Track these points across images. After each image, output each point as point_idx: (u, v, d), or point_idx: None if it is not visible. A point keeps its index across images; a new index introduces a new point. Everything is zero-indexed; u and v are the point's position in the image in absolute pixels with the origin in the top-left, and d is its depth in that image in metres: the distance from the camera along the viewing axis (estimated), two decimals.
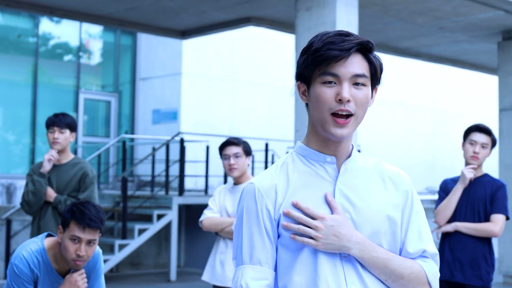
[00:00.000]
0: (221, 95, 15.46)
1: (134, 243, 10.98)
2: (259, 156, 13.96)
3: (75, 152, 14.34)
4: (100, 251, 3.86)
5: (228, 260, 5.00)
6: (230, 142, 5.09)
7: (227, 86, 15.60)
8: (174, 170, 13.07)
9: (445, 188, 5.02)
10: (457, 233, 4.87)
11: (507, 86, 11.45)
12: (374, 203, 1.99)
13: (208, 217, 5.02)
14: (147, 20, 11.36)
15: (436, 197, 5.21)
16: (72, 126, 5.27)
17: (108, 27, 15.09)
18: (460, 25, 11.03)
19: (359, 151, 11.53)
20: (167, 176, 12.05)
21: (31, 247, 3.65)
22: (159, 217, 11.36)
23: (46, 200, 5.22)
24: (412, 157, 19.23)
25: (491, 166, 11.27)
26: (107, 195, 12.66)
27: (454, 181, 5.04)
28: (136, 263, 12.63)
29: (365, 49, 1.96)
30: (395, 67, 18.34)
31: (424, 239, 2.04)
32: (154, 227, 11.22)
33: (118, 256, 10.79)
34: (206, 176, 12.55)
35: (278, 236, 1.97)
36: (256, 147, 14.02)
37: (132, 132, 15.99)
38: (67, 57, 15.84)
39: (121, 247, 10.89)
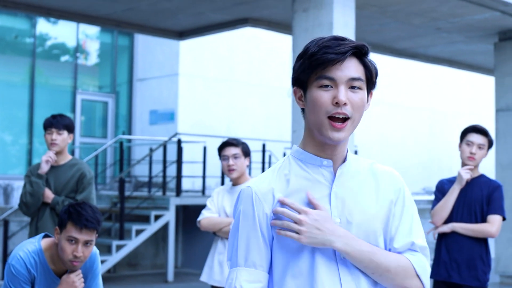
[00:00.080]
0: (218, 96, 15.48)
1: (131, 244, 10.99)
2: (256, 157, 13.98)
3: (72, 153, 14.34)
4: (97, 251, 3.86)
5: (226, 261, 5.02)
6: (229, 143, 5.10)
7: (224, 87, 15.61)
8: (172, 170, 13.08)
9: (441, 189, 5.04)
10: (454, 233, 4.89)
11: (504, 87, 11.48)
12: (369, 205, 2.00)
13: (206, 217, 5.03)
14: (144, 21, 11.37)
15: (433, 197, 5.22)
16: (69, 128, 5.29)
17: (105, 28, 15.09)
18: (457, 26, 11.06)
19: (356, 152, 11.52)
20: (164, 176, 12.06)
21: (28, 248, 3.66)
22: (157, 217, 11.38)
23: (44, 201, 5.23)
24: (409, 158, 19.27)
25: (488, 166, 11.30)
26: (105, 195, 12.66)
27: (450, 181, 5.05)
28: (133, 264, 12.64)
29: (360, 53, 1.97)
30: (392, 68, 18.37)
31: (413, 233, 2.04)
32: (151, 228, 11.23)
33: (115, 257, 10.79)
34: (204, 177, 12.56)
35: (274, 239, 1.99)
36: (253, 147, 14.04)
37: (129, 132, 15.99)
38: (64, 58, 15.84)
39: (119, 247, 10.90)
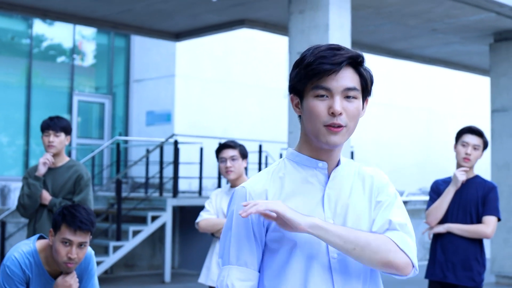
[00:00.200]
0: (215, 97, 15.50)
1: (128, 245, 11.01)
2: (252, 157, 14.00)
3: (69, 154, 14.35)
4: (93, 252, 3.88)
5: None
6: (226, 145, 5.14)
7: (220, 88, 15.64)
8: (168, 171, 13.10)
9: (436, 189, 5.07)
10: (449, 234, 4.92)
11: (499, 88, 11.52)
12: (359, 207, 2.04)
13: (205, 219, 5.05)
14: (141, 22, 11.39)
15: (428, 197, 5.25)
16: (67, 130, 5.31)
17: (101, 29, 15.11)
18: (452, 27, 11.10)
19: (352, 152, 11.53)
20: (161, 177, 12.08)
21: (22, 249, 3.68)
22: (153, 218, 11.39)
23: (41, 203, 5.25)
24: (405, 158, 19.31)
25: (484, 167, 11.35)
26: (101, 197, 12.67)
27: (445, 182, 5.08)
28: (130, 265, 12.66)
29: (356, 62, 2.00)
30: (387, 68, 18.41)
31: (391, 213, 2.05)
32: (148, 229, 11.25)
33: (112, 258, 10.81)
34: (200, 178, 12.58)
35: (266, 243, 2.02)
36: (250, 148, 14.03)
37: (126, 134, 16.01)
38: (61, 59, 15.85)
39: (116, 248, 10.91)
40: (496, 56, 11.61)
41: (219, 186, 12.34)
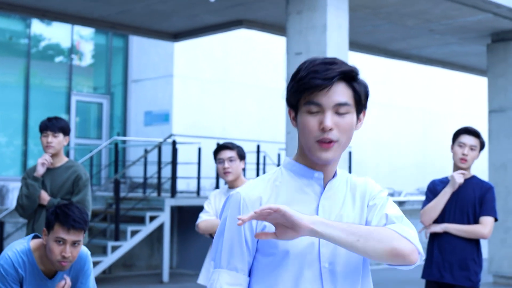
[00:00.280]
0: (213, 97, 15.52)
1: (126, 245, 11.03)
2: (250, 158, 14.02)
3: (67, 154, 14.37)
4: (89, 253, 3.89)
5: None
6: (224, 146, 5.15)
7: (218, 88, 15.66)
8: (166, 172, 13.12)
9: (433, 189, 5.08)
10: (446, 234, 4.93)
11: (496, 88, 11.55)
12: (349, 219, 2.05)
13: (204, 220, 5.06)
14: (139, 23, 11.41)
15: None
16: (65, 130, 5.32)
17: (100, 29, 15.13)
18: (450, 28, 11.13)
19: (350, 152, 11.54)
20: (159, 178, 12.10)
21: (16, 248, 3.70)
22: (152, 218, 11.41)
23: (40, 204, 5.27)
24: (402, 158, 19.34)
25: (481, 167, 11.38)
26: (100, 197, 12.69)
27: (442, 182, 5.09)
28: (128, 265, 12.67)
29: (349, 77, 2.00)
30: (385, 68, 18.45)
31: (386, 209, 2.07)
32: (146, 229, 11.27)
33: (110, 258, 10.83)
34: (198, 178, 12.60)
35: (258, 248, 2.03)
36: (248, 149, 14.07)
37: (124, 134, 16.02)
38: (59, 59, 15.86)
39: (114, 248, 10.93)
40: (494, 56, 11.64)
41: (217, 186, 12.37)
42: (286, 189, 2.05)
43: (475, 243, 4.95)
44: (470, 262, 4.91)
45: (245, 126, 15.81)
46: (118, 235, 10.95)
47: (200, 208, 5.42)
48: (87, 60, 16.36)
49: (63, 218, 3.61)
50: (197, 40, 13.27)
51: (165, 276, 11.57)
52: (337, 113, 1.98)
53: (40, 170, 5.26)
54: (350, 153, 13.40)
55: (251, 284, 2.04)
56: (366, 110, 2.08)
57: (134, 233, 11.20)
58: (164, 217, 11.45)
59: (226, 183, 5.24)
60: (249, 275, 2.05)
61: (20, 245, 3.72)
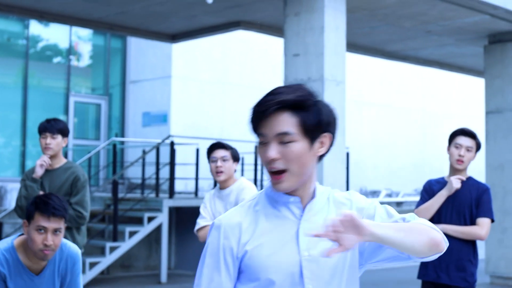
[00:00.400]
0: (211, 98, 15.55)
1: (125, 246, 11.05)
2: (248, 158, 14.05)
3: (65, 155, 14.38)
4: (79, 251, 3.88)
5: None
6: (218, 145, 5.12)
7: (217, 89, 15.68)
8: (165, 172, 13.14)
9: (429, 189, 5.10)
10: (444, 234, 4.95)
11: (493, 89, 11.59)
12: None
13: (202, 227, 5.05)
14: (137, 24, 11.43)
15: None
16: (64, 132, 5.33)
17: (98, 31, 15.16)
18: (447, 29, 11.16)
19: (347, 153, 11.50)
20: (157, 178, 12.12)
21: (0, 246, 3.71)
22: (150, 219, 11.43)
23: None
24: (400, 159, 19.37)
25: (478, 168, 11.42)
26: (98, 197, 12.71)
27: (438, 182, 5.11)
28: (127, 265, 12.69)
29: (294, 106, 1.99)
30: (383, 70, 18.48)
31: (391, 214, 2.11)
32: (144, 230, 11.29)
33: (109, 258, 10.85)
34: (196, 179, 12.62)
35: (241, 273, 2.05)
36: (246, 150, 14.11)
37: (122, 135, 16.04)
38: (57, 60, 15.88)
39: (112, 249, 10.95)
40: (491, 58, 11.68)
41: (215, 186, 12.37)
42: (265, 215, 2.07)
43: (471, 244, 4.98)
44: (466, 263, 4.93)
45: (243, 127, 15.79)
46: (116, 236, 10.97)
47: (198, 209, 5.43)
48: (85, 61, 16.38)
49: (43, 206, 3.62)
50: (195, 41, 13.29)
51: (163, 277, 11.59)
52: (282, 142, 1.99)
53: (39, 172, 5.28)
54: (348, 154, 13.43)
55: None
56: (331, 134, 2.05)
57: (132, 233, 11.22)
58: (162, 218, 11.47)
59: (217, 183, 5.21)
60: None
61: (5, 243, 3.72)
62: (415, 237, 2.01)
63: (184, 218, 12.96)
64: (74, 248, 3.83)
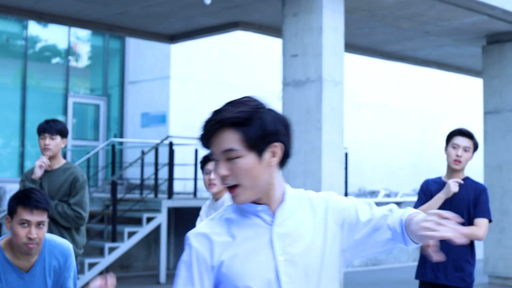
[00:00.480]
0: (210, 99, 15.56)
1: (124, 246, 11.06)
2: None
3: (64, 155, 14.39)
4: (71, 246, 3.86)
5: None
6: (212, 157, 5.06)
7: (215, 90, 15.69)
8: (163, 173, 13.15)
9: (426, 189, 5.11)
10: None
11: (492, 89, 11.61)
12: (310, 239, 2.10)
13: None
14: (136, 25, 11.44)
15: None
16: (63, 133, 5.34)
17: (97, 31, 15.17)
18: (445, 30, 11.18)
19: (346, 154, 11.47)
20: (156, 179, 12.13)
21: None
22: (149, 220, 11.44)
23: None
24: (398, 159, 19.39)
25: (476, 168, 11.44)
26: (97, 198, 12.72)
27: (435, 182, 5.12)
28: (126, 266, 12.70)
29: (236, 122, 2.02)
30: (381, 70, 18.50)
31: (374, 209, 2.19)
32: (143, 230, 11.30)
33: (108, 259, 10.86)
34: (195, 179, 12.64)
35: (219, 284, 2.08)
36: None
37: (121, 135, 16.05)
38: (56, 61, 15.89)
39: (111, 250, 10.96)
40: (489, 58, 11.70)
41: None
42: (238, 225, 2.10)
43: (469, 244, 4.99)
44: (464, 263, 4.94)
45: None
46: (115, 237, 10.99)
47: (197, 210, 5.44)
48: (84, 61, 16.39)
49: (25, 200, 3.61)
50: (193, 42, 13.31)
51: (162, 277, 11.60)
52: (229, 158, 2.03)
53: (38, 173, 5.29)
54: (346, 154, 13.45)
55: None
56: (281, 143, 2.07)
57: (131, 234, 11.23)
58: (161, 219, 11.49)
59: (211, 195, 5.18)
60: None
61: None
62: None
63: (183, 219, 12.97)
64: (64, 243, 3.81)
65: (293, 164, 8.47)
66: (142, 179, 12.99)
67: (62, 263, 3.79)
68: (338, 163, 8.48)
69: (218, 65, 15.78)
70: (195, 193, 12.69)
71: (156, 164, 12.17)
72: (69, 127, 15.21)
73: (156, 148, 12.18)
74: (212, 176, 4.95)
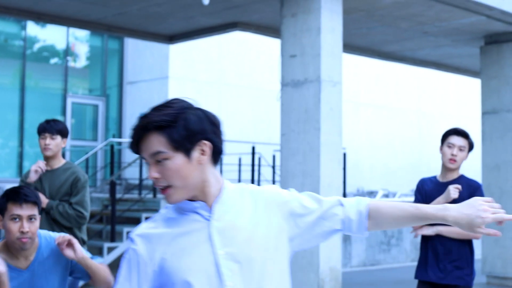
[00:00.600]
0: (208, 99, 15.58)
1: (123, 246, 11.07)
2: (245, 159, 14.08)
3: (63, 155, 14.37)
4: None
5: None
6: None
7: (214, 90, 15.72)
8: None
9: (421, 189, 5.15)
10: (440, 236, 4.98)
11: (490, 90, 11.63)
12: (251, 231, 2.13)
13: None
14: (135, 25, 11.45)
15: None
16: (63, 132, 5.36)
17: (95, 32, 15.18)
18: (443, 30, 11.21)
19: (344, 154, 11.51)
20: None
21: None
22: (147, 219, 11.44)
23: None
24: (397, 159, 19.42)
25: (474, 168, 11.47)
26: (96, 198, 12.73)
27: (431, 181, 5.15)
28: None
29: (159, 125, 2.07)
30: (379, 70, 18.53)
31: (322, 200, 2.25)
32: None
33: (107, 259, 10.86)
34: None
35: (162, 281, 2.11)
36: (243, 150, 14.18)
37: (120, 135, 16.06)
38: (54, 61, 15.90)
39: (110, 249, 10.97)
40: (487, 58, 11.72)
41: None
42: (177, 223, 2.14)
43: (467, 243, 5.01)
44: (463, 262, 4.96)
45: (240, 128, 15.87)
46: (114, 236, 11.00)
47: None
48: (83, 62, 16.41)
49: (14, 195, 3.65)
50: (192, 42, 13.33)
51: None
52: (158, 161, 2.08)
53: (33, 177, 5.29)
54: (345, 155, 13.47)
55: None
56: (208, 141, 2.12)
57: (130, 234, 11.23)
58: None
59: None
60: None
61: None
62: None
63: None
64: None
65: (292, 164, 8.49)
66: (141, 179, 13.00)
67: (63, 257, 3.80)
68: (336, 163, 8.50)
69: (217, 65, 15.80)
70: None
71: None
72: (68, 127, 15.19)
73: None
74: None
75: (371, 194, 17.35)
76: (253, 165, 13.37)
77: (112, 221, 10.99)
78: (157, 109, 2.10)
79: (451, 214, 2.22)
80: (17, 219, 3.62)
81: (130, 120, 16.05)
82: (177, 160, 2.07)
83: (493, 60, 11.63)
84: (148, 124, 2.06)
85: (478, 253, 10.63)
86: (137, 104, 15.93)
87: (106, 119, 16.09)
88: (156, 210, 11.55)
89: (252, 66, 16.26)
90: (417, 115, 20.29)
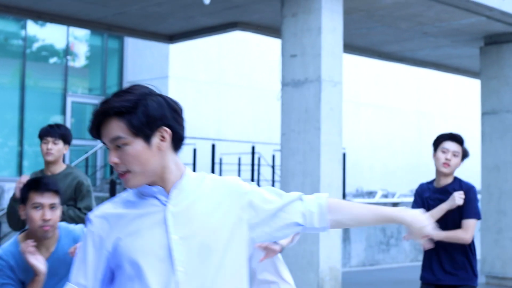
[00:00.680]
0: (208, 99, 15.59)
1: None
2: (245, 159, 14.09)
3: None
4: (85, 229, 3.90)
5: None
6: None
7: (213, 90, 15.72)
8: None
9: (421, 193, 5.11)
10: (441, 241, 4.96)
11: (489, 90, 11.64)
12: (209, 217, 2.15)
13: None
14: (135, 24, 11.46)
15: None
16: (66, 138, 5.22)
17: (95, 31, 15.19)
18: (443, 30, 11.22)
19: (344, 154, 11.53)
20: None
21: (6, 244, 3.79)
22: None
23: None
24: (396, 160, 19.43)
25: (474, 169, 11.48)
26: (95, 197, 12.60)
27: (429, 188, 5.09)
28: None
29: (119, 111, 2.09)
30: (379, 71, 18.54)
31: (283, 194, 2.28)
32: None
33: None
34: None
35: (116, 263, 2.13)
36: (243, 150, 14.19)
37: None
38: (54, 60, 15.90)
39: None
40: (487, 59, 11.73)
41: None
42: (135, 205, 2.16)
43: (469, 245, 4.99)
44: (465, 263, 4.95)
45: (240, 127, 15.88)
46: None
47: None
48: (82, 61, 16.41)
49: (35, 185, 3.72)
50: (192, 42, 13.34)
51: None
52: (118, 146, 2.10)
53: (18, 194, 5.25)
54: (344, 155, 13.48)
55: None
56: (167, 127, 2.14)
57: None
58: None
59: None
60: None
61: (10, 240, 3.81)
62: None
63: None
64: (78, 229, 3.87)
65: (292, 164, 8.50)
66: None
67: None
68: (336, 163, 8.51)
69: (216, 65, 15.81)
70: None
71: None
72: (68, 126, 15.20)
73: None
74: None
75: (371, 194, 17.36)
76: (253, 164, 13.38)
77: None
78: (118, 95, 2.13)
79: (408, 215, 2.35)
80: (39, 208, 3.68)
81: None
82: (137, 145, 2.09)
83: (492, 61, 11.64)
84: (109, 110, 2.08)
85: (477, 254, 10.66)
86: None
87: None
88: None
89: (252, 66, 16.27)
90: (416, 115, 20.31)
